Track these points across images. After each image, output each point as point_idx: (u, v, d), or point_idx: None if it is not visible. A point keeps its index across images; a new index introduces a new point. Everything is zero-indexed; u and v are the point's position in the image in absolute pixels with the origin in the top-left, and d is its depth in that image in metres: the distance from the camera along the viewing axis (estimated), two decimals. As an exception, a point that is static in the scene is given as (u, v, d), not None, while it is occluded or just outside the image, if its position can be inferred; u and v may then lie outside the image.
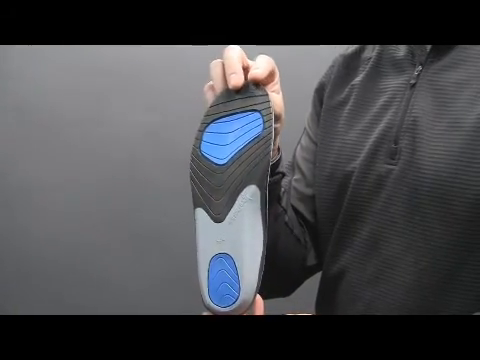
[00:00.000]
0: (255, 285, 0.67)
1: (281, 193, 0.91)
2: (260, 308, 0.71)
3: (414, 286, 0.81)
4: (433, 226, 0.79)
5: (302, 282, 0.99)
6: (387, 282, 0.83)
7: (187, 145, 0.74)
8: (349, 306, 0.86)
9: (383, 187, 0.84)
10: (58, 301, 1.72)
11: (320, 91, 0.98)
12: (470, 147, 0.77)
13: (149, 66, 1.75)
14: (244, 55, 0.72)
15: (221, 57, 0.73)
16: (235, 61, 0.71)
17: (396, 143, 0.83)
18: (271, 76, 0.74)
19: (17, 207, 1.77)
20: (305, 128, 1.00)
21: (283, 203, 0.92)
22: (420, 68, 0.84)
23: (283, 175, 0.87)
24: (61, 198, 1.77)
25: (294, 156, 1.00)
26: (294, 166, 0.99)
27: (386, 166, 0.84)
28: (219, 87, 0.73)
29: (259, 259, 0.68)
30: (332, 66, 0.98)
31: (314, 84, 1.00)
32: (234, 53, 0.71)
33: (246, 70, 0.72)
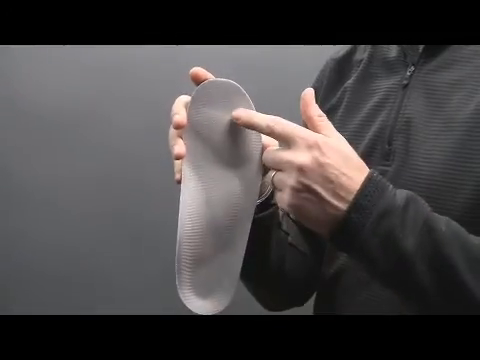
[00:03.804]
0: None
1: (280, 218, 0.91)
2: None
3: None
4: None
5: (315, 290, 0.99)
6: None
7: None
8: (346, 307, 0.86)
9: None
10: (57, 301, 1.71)
11: None
12: (464, 147, 0.77)
13: (149, 66, 1.74)
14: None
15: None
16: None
17: (390, 144, 0.83)
18: None
19: (16, 206, 1.75)
20: None
21: (284, 227, 0.92)
22: (412, 68, 0.85)
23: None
24: (60, 197, 1.75)
25: None
26: None
27: (381, 167, 0.83)
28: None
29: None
30: (323, 70, 0.98)
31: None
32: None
33: None
